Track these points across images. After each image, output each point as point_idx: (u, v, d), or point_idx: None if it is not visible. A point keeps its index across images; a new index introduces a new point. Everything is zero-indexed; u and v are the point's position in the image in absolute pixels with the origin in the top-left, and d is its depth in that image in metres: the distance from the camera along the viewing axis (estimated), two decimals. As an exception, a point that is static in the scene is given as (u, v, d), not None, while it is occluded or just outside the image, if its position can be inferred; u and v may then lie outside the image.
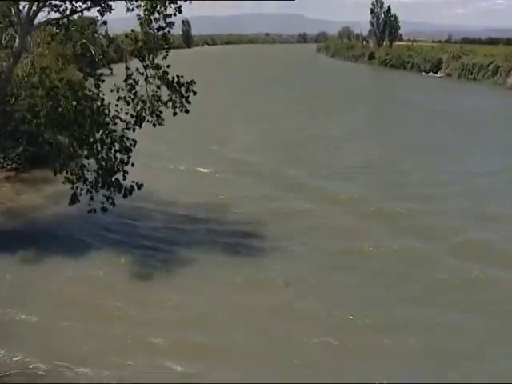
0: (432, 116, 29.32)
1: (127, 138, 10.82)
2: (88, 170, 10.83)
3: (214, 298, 9.72)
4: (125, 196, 10.73)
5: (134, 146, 10.73)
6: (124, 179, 10.90)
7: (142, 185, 10.84)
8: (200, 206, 14.15)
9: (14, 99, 11.64)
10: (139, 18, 10.73)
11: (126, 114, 10.73)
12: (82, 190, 10.64)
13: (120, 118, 10.76)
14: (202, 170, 17.75)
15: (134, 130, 10.84)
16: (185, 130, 22.17)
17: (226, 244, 11.94)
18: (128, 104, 10.70)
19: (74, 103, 10.59)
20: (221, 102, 32.12)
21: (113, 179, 10.69)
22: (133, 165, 10.91)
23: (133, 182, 10.71)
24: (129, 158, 10.85)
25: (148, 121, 11.09)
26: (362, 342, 8.59)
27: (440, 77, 52.11)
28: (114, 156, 10.78)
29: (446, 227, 13.07)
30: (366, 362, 8.12)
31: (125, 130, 10.76)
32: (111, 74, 11.49)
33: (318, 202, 14.56)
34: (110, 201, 10.66)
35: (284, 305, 9.57)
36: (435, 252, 11.80)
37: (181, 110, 11.02)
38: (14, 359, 7.85)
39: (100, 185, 10.73)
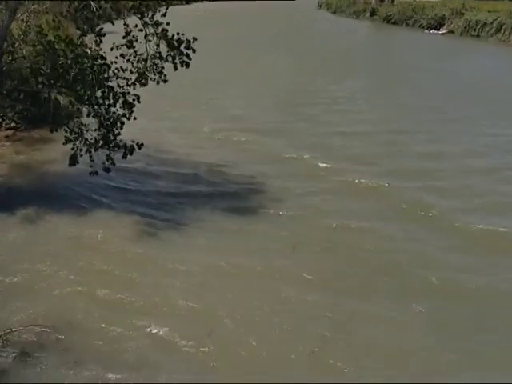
0: (430, 76, 28.80)
1: (129, 93, 10.78)
2: (87, 130, 10.79)
3: (218, 259, 9.67)
4: (124, 156, 10.69)
5: (138, 101, 10.67)
6: (119, 133, 10.90)
7: (142, 144, 10.79)
8: (202, 165, 14.09)
9: (11, 58, 11.46)
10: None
11: (126, 70, 10.69)
12: (81, 150, 10.61)
13: (121, 77, 10.71)
14: (204, 127, 17.65)
15: (134, 87, 10.81)
16: (186, 89, 22.10)
17: (229, 204, 11.92)
18: (128, 61, 10.62)
19: (73, 61, 10.48)
20: (219, 61, 31.66)
21: (112, 138, 10.67)
22: (135, 118, 10.91)
23: (133, 141, 10.71)
24: (131, 113, 10.82)
25: (151, 78, 11.03)
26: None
27: (442, 34, 51.30)
28: (114, 113, 10.73)
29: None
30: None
31: (126, 87, 10.71)
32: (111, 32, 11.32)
33: (324, 160, 14.49)
34: (110, 161, 10.61)
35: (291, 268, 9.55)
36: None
37: (181, 66, 10.90)
38: (16, 318, 7.90)
39: (100, 144, 10.69)
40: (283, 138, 16.52)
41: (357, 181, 13.19)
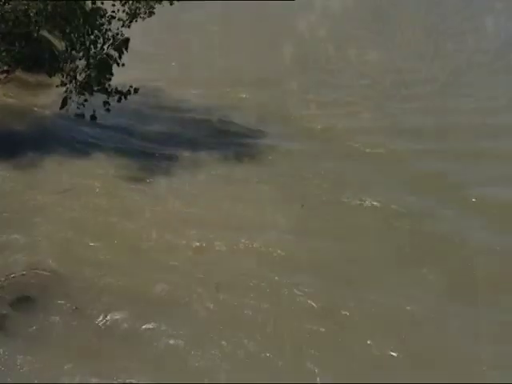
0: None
1: (122, 35, 10.67)
2: (80, 73, 10.68)
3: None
4: (119, 100, 10.62)
5: (126, 49, 10.57)
6: (111, 75, 10.73)
7: (138, 89, 10.73)
8: (201, 108, 14.01)
9: (3, 1, 11.21)
10: None
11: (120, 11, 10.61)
12: (71, 91, 10.49)
13: (115, 17, 10.60)
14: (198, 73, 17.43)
15: (129, 27, 10.75)
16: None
17: (228, 146, 11.84)
18: (123, 5, 10.53)
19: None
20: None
21: (104, 80, 10.57)
22: (123, 65, 10.77)
23: (131, 86, 10.64)
24: (120, 56, 10.65)
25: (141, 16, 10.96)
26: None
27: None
28: (107, 54, 10.62)
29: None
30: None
31: (120, 29, 10.62)
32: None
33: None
34: (107, 106, 10.54)
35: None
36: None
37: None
38: (16, 264, 7.92)
39: (94, 89, 10.60)
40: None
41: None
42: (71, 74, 10.58)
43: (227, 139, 12.26)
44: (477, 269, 8.02)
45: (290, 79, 16.85)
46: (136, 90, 10.68)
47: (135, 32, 10.92)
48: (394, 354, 6.49)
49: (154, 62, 18.12)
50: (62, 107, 10.65)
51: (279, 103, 14.75)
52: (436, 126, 13.18)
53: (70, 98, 10.51)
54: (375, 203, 9.69)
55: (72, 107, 10.58)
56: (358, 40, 22.72)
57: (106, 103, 10.53)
